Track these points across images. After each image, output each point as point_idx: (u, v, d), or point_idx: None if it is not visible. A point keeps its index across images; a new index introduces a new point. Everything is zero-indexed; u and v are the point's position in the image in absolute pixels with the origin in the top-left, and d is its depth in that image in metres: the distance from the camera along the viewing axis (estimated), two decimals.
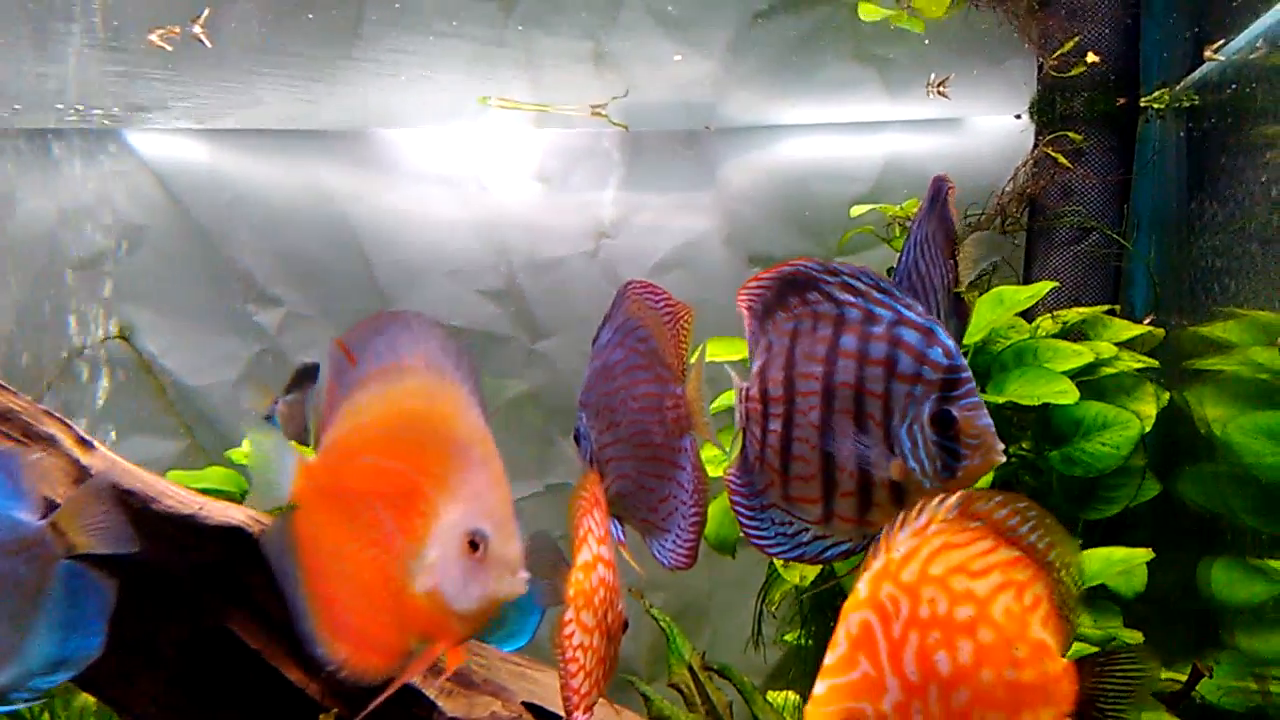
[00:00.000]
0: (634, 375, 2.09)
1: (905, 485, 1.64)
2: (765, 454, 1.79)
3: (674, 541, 2.03)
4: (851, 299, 1.69)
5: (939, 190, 2.32)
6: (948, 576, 1.43)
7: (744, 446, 1.87)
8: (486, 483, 1.73)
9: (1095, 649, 2.82)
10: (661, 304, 2.11)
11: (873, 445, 1.65)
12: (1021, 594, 1.45)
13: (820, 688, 1.40)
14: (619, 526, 2.14)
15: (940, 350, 1.62)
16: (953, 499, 1.46)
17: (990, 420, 1.62)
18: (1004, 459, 1.63)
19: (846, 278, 1.70)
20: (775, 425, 1.75)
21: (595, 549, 1.93)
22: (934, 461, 1.63)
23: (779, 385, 1.76)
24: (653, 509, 2.06)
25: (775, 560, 2.57)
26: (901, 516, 1.47)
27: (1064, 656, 1.48)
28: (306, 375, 4.55)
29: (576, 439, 2.19)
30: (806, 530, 1.77)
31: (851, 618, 1.42)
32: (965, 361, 1.65)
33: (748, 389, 1.84)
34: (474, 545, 1.71)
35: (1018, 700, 1.42)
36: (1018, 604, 1.45)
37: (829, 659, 1.40)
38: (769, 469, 1.79)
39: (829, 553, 1.76)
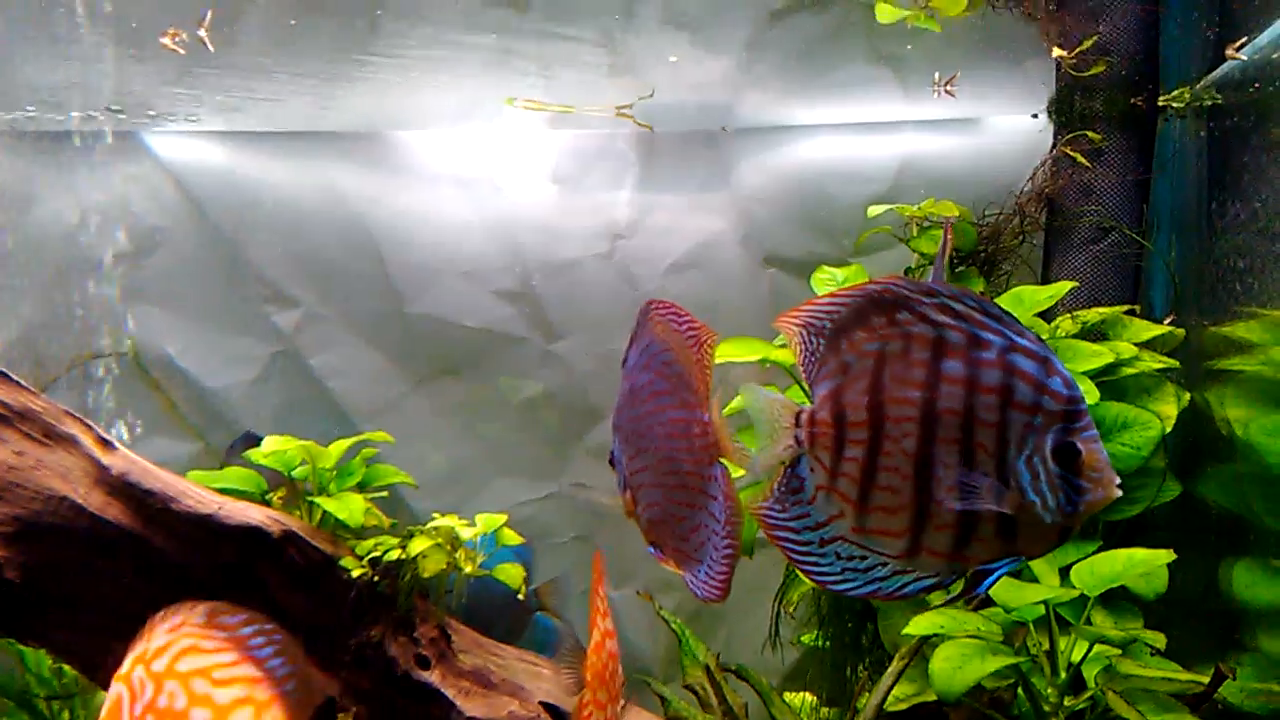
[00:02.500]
0: (661, 400, 2.03)
1: (1019, 519, 1.56)
2: (838, 483, 1.67)
3: (706, 573, 1.97)
4: (951, 321, 1.58)
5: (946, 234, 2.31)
6: (190, 676, 1.50)
7: (795, 475, 1.76)
8: None
9: (1118, 650, 2.81)
10: (685, 325, 2.03)
11: (985, 477, 1.56)
12: (260, 713, 1.48)
13: None
14: (656, 550, 2.08)
15: (1060, 380, 1.54)
16: (201, 607, 1.51)
17: (1107, 453, 1.56)
18: (1120, 494, 1.56)
19: (946, 299, 1.59)
20: (855, 452, 1.64)
21: (601, 625, 2.21)
22: (1056, 495, 1.54)
23: (860, 410, 1.64)
24: (684, 538, 2.01)
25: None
26: (163, 611, 1.50)
27: None
28: (246, 443, 4.69)
29: (612, 463, 2.15)
30: (883, 564, 1.66)
31: (113, 685, 1.49)
32: (1082, 392, 1.58)
33: (813, 413, 1.72)
34: None
35: None
36: None
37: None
38: (841, 499, 1.68)
39: (910, 588, 1.65)
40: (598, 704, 2.23)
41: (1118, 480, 1.56)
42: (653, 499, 2.03)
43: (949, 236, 2.29)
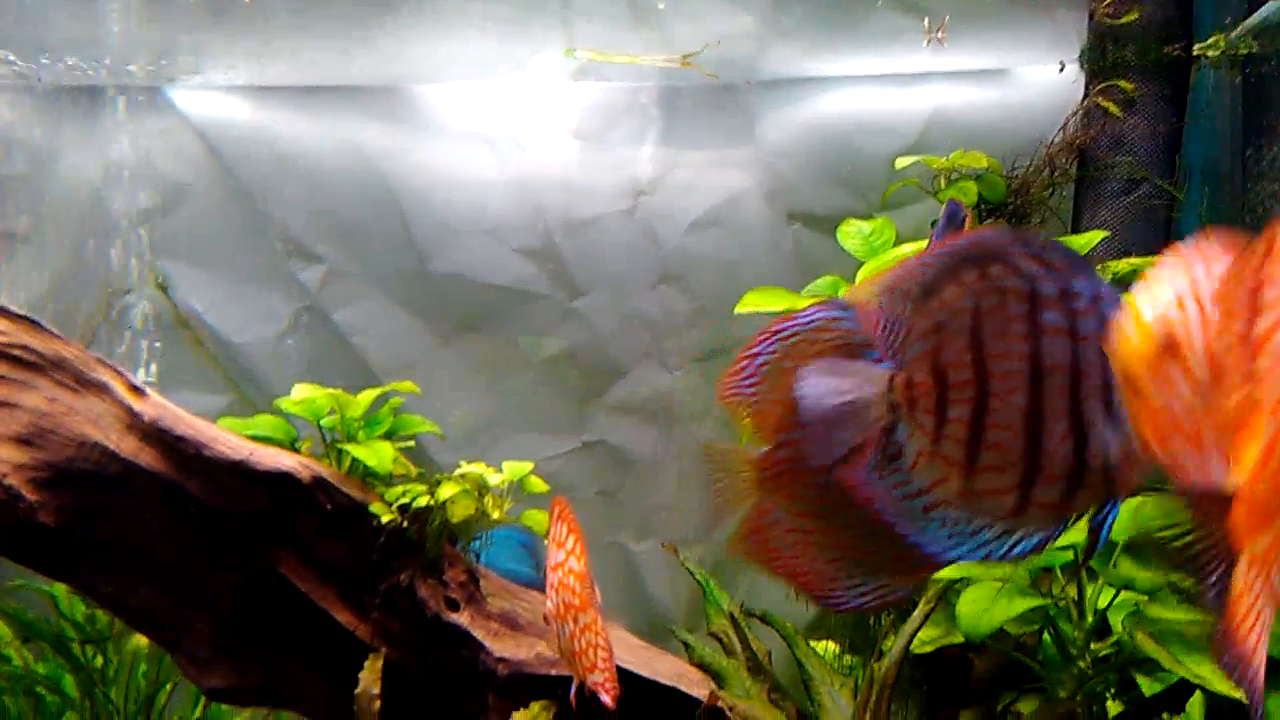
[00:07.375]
0: None
1: (1123, 464, 1.55)
2: (943, 445, 1.64)
3: None
4: (1042, 271, 1.57)
5: (954, 214, 2.25)
6: None
7: (892, 441, 1.70)
8: None
9: (1145, 596, 2.80)
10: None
11: (1097, 424, 1.55)
12: None
13: None
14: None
15: None
16: None
17: None
18: None
19: (1039, 249, 1.58)
20: (960, 413, 1.61)
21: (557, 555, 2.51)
22: None
23: (964, 369, 1.61)
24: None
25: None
26: None
27: None
28: None
29: None
30: (989, 527, 1.64)
31: None
32: None
33: (909, 375, 1.67)
34: None
35: None
36: None
37: None
38: (945, 463, 1.64)
39: (1020, 547, 1.64)
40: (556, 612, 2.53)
41: None
42: None
43: (964, 218, 2.25)
